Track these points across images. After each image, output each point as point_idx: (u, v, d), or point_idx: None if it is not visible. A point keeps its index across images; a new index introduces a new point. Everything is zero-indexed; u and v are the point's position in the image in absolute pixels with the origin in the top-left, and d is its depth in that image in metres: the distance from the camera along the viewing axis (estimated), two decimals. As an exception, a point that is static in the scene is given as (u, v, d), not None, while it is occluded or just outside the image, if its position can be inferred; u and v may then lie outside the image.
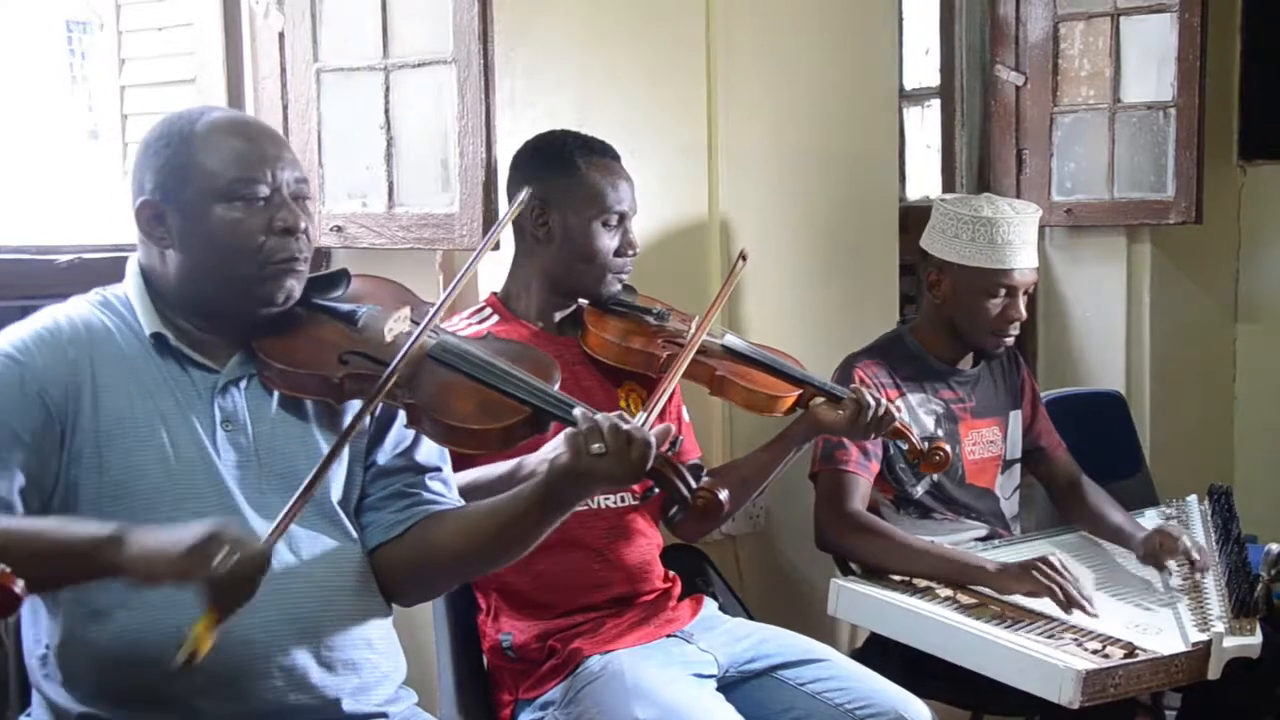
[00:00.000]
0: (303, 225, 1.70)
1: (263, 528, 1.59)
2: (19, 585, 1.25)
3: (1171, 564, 2.48)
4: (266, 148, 1.70)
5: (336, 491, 1.74)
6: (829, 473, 2.52)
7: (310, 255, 1.73)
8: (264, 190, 1.68)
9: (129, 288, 1.73)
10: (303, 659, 1.64)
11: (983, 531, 2.66)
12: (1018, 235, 2.60)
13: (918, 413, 2.64)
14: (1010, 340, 2.69)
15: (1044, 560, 2.31)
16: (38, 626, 1.65)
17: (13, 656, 1.75)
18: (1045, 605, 2.26)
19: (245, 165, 1.67)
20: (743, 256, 2.36)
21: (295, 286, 1.71)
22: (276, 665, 1.63)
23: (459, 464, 1.94)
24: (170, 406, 1.65)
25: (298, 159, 1.75)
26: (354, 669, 1.69)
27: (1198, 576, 2.45)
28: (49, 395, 1.59)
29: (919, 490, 2.64)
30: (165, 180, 1.67)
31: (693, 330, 2.26)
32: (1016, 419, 2.81)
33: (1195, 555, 2.47)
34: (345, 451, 1.73)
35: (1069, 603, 2.25)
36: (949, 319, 2.68)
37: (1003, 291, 2.61)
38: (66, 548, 1.45)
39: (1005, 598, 2.30)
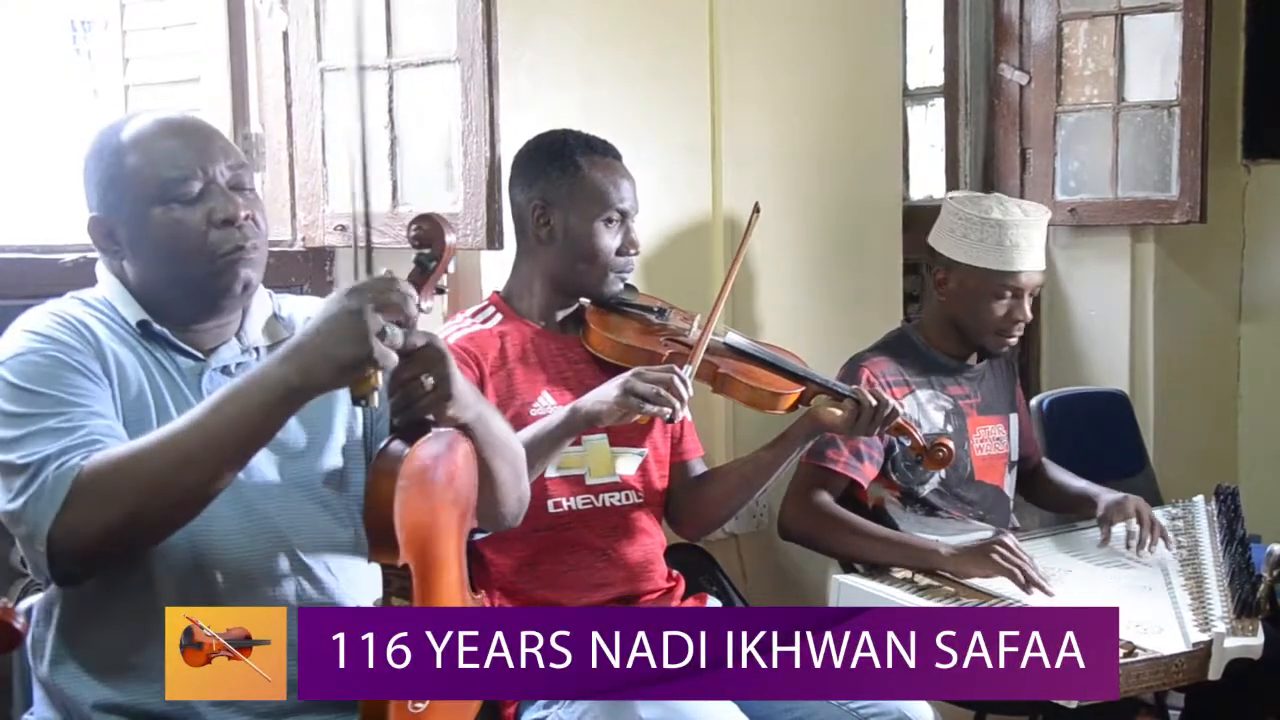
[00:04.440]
0: (243, 213, 1.67)
1: (259, 494, 1.66)
2: (19, 621, 1.28)
3: (1119, 529, 2.60)
4: (194, 141, 1.69)
5: (332, 462, 1.75)
6: (812, 467, 2.54)
7: (262, 241, 1.72)
8: (196, 185, 1.66)
9: (105, 290, 1.73)
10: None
11: (989, 534, 2.66)
12: (1025, 238, 2.60)
13: (927, 409, 2.65)
14: (1014, 340, 2.71)
15: (1000, 543, 2.34)
16: (42, 644, 1.65)
17: (16, 656, 1.76)
18: (1007, 587, 2.30)
19: (173, 164, 1.66)
20: (756, 209, 2.37)
21: (251, 275, 1.70)
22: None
23: (517, 424, 2.03)
24: (162, 388, 1.66)
25: (233, 147, 1.74)
26: None
27: (1142, 551, 2.55)
28: (90, 369, 1.61)
29: (926, 488, 2.64)
30: (105, 194, 1.68)
31: (693, 329, 2.27)
32: (1015, 422, 2.81)
33: (1145, 529, 2.57)
34: (342, 447, 1.75)
35: (1028, 583, 2.28)
36: (954, 317, 2.69)
37: (1009, 293, 2.62)
38: (258, 402, 1.48)
39: (989, 587, 2.32)
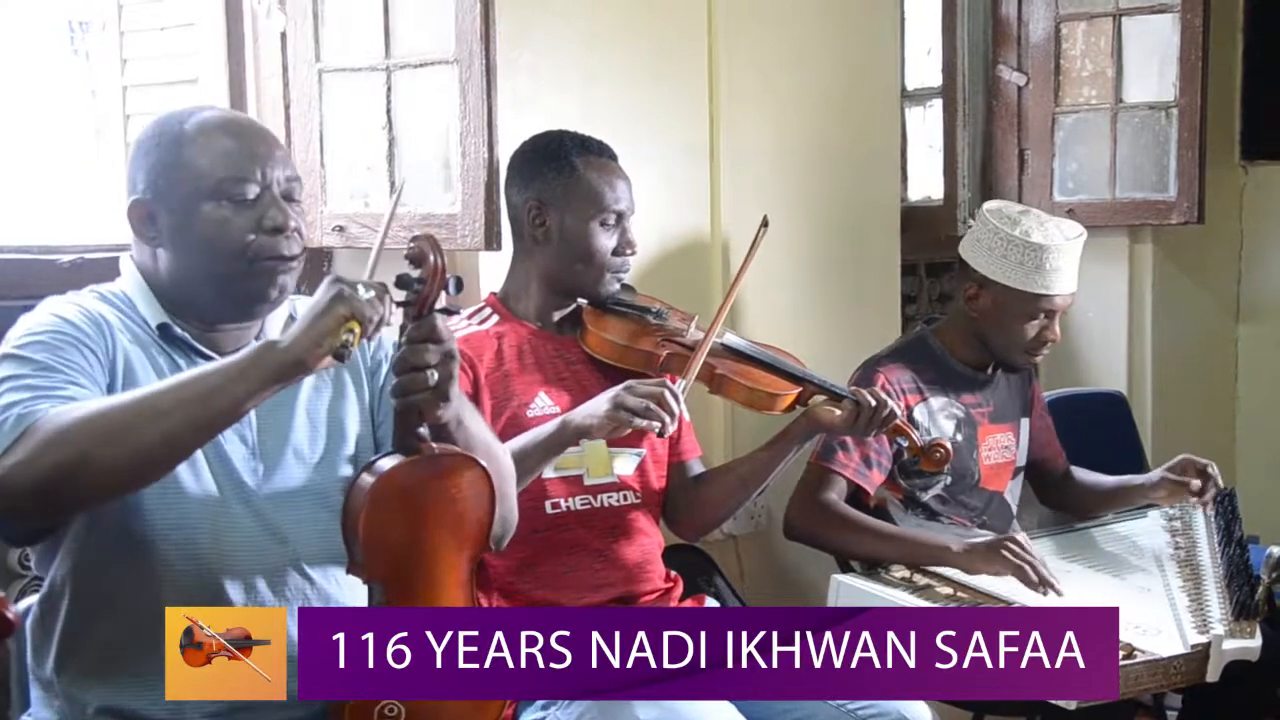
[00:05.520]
0: (292, 224, 1.69)
1: (274, 504, 1.67)
2: (12, 611, 1.28)
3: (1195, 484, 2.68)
4: (256, 146, 1.69)
5: (345, 470, 1.75)
6: (821, 469, 2.54)
7: (302, 253, 1.72)
8: (253, 190, 1.67)
9: (127, 285, 1.72)
10: None
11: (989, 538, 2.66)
12: (1066, 261, 2.59)
13: (938, 417, 2.64)
14: (1039, 359, 2.71)
15: (1011, 539, 2.34)
16: (46, 644, 1.65)
17: (15, 657, 1.76)
18: (1008, 588, 2.29)
19: (234, 164, 1.67)
20: (765, 223, 2.37)
21: (286, 282, 1.71)
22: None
23: (505, 435, 2.03)
24: None
25: (290, 157, 1.75)
26: None
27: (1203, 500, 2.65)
28: (94, 353, 1.61)
29: (930, 493, 2.64)
30: (156, 180, 1.68)
31: (691, 329, 2.26)
32: (1026, 427, 2.81)
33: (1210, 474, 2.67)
34: (349, 457, 1.76)
35: (1039, 582, 2.28)
36: (983, 333, 2.67)
37: (1043, 314, 2.61)
38: (238, 369, 1.47)
39: (991, 587, 2.31)
